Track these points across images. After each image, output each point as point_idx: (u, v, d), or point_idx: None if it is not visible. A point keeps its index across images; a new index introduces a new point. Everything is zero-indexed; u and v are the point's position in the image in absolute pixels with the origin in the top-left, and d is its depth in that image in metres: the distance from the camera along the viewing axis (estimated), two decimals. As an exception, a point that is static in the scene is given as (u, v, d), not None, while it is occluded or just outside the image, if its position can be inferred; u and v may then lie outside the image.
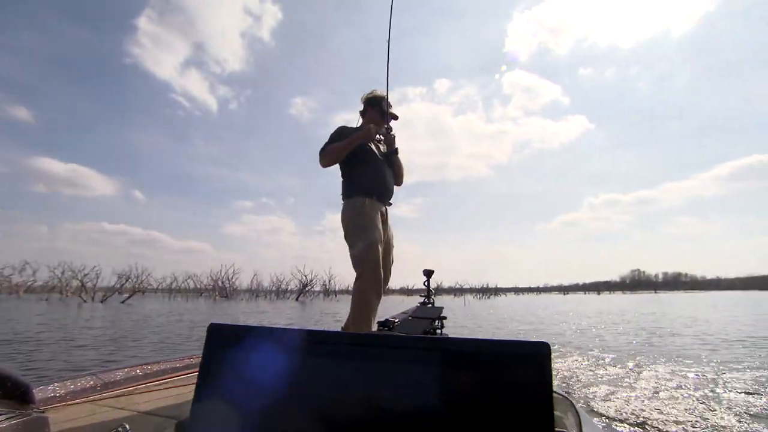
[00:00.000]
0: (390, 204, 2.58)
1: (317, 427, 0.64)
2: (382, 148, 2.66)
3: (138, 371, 1.90)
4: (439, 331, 4.17)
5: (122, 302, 33.09)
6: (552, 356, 0.60)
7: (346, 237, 2.39)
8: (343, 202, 2.47)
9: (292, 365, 0.69)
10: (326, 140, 2.48)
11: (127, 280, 45.26)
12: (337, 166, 2.54)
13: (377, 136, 2.60)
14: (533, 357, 0.59)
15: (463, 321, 15.40)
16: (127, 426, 0.91)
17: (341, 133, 2.48)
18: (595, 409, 3.87)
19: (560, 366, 6.40)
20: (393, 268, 2.65)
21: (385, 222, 2.50)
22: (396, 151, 2.63)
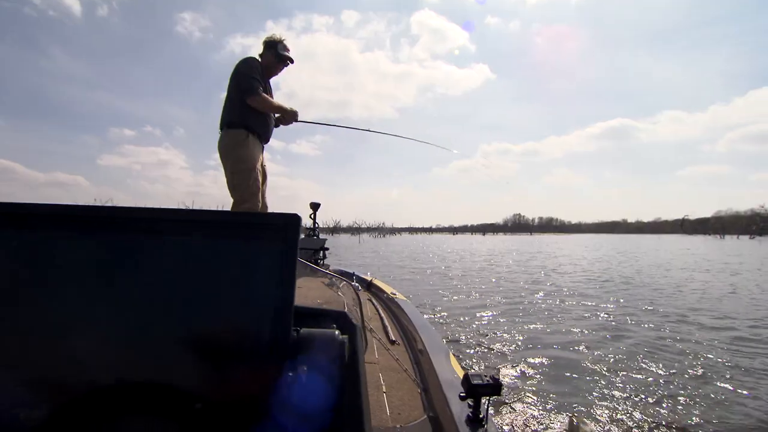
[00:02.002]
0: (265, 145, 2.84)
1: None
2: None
3: None
4: (321, 261, 4.86)
5: None
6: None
7: (225, 168, 2.59)
8: (221, 131, 2.62)
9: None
10: (252, 77, 2.59)
11: None
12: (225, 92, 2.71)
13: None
14: (283, 228, 0.60)
15: (353, 258, 16.94)
16: None
17: (258, 71, 2.64)
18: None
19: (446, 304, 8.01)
20: (273, 202, 2.94)
21: (261, 160, 2.74)
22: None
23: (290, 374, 0.58)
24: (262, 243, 0.62)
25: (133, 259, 0.61)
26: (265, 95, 2.64)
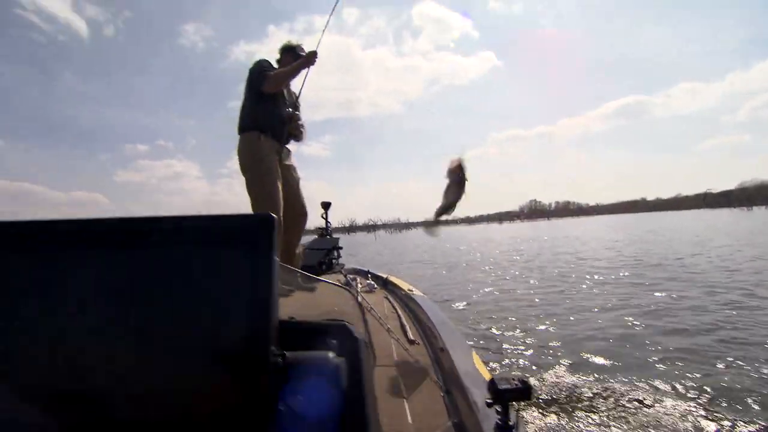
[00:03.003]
0: (287, 145, 2.75)
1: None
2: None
3: None
4: (335, 261, 4.60)
5: None
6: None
7: (244, 173, 2.57)
8: (239, 136, 2.61)
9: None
10: (263, 65, 2.63)
11: None
12: (241, 99, 2.71)
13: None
14: (253, 231, 0.56)
15: (369, 255, 16.53)
16: None
17: (267, 64, 2.66)
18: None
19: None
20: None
21: (282, 163, 2.67)
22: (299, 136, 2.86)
23: (280, 408, 0.52)
24: (228, 249, 0.56)
25: (93, 270, 0.55)
26: (277, 70, 2.62)
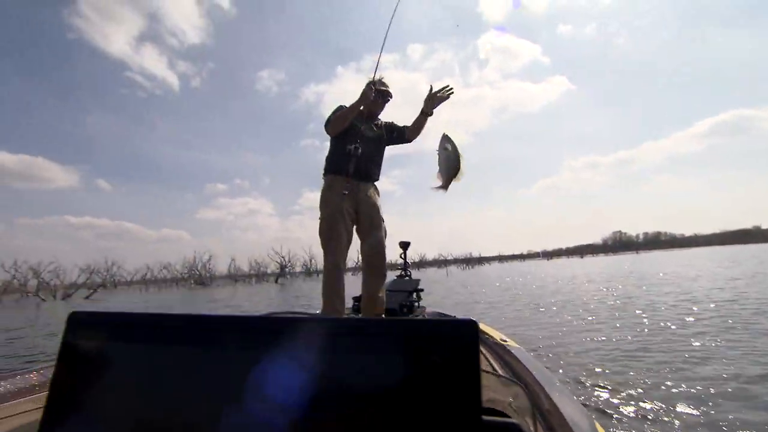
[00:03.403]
0: (365, 180, 2.76)
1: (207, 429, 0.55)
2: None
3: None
4: (416, 303, 4.42)
5: (86, 298, 32.42)
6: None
7: None
8: None
9: (178, 357, 0.59)
10: (329, 116, 2.75)
11: (91, 274, 44.21)
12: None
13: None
14: (457, 337, 0.54)
15: (443, 293, 15.99)
16: None
17: (340, 107, 2.74)
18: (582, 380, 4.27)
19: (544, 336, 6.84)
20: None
21: (356, 196, 2.68)
22: (430, 112, 2.85)
23: None
24: (432, 354, 0.53)
25: (292, 372, 0.55)
26: (336, 114, 2.69)
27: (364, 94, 2.64)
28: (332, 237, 2.56)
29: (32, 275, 42.17)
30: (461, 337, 0.54)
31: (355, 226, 2.71)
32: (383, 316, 2.73)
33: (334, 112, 2.72)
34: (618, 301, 9.97)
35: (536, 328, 7.01)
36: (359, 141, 2.69)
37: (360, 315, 2.92)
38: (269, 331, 0.58)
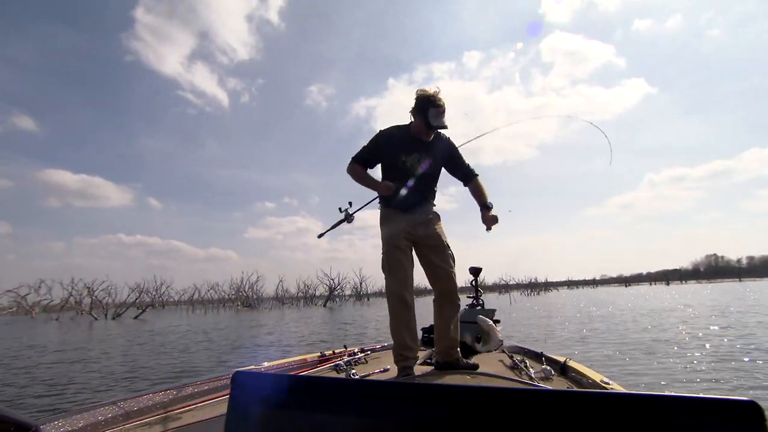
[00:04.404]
0: (421, 206, 2.68)
1: None
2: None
3: (162, 396, 1.97)
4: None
5: (135, 318, 32.59)
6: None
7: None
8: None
9: (336, 424, 0.59)
10: (362, 147, 2.69)
11: (140, 294, 45.38)
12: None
13: None
14: (733, 425, 0.43)
15: (509, 323, 14.79)
16: None
17: (376, 142, 2.64)
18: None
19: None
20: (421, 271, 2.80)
21: (414, 228, 2.63)
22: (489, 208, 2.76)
23: None
24: None
25: None
26: (357, 166, 2.67)
27: (384, 188, 2.60)
28: (393, 267, 2.56)
29: (87, 293, 43.84)
30: (736, 426, 0.43)
31: (419, 256, 2.67)
32: (458, 349, 2.61)
33: (365, 151, 2.67)
34: (722, 334, 8.29)
35: (633, 371, 5.83)
36: (409, 178, 2.61)
37: (433, 348, 2.84)
38: (481, 405, 0.50)
